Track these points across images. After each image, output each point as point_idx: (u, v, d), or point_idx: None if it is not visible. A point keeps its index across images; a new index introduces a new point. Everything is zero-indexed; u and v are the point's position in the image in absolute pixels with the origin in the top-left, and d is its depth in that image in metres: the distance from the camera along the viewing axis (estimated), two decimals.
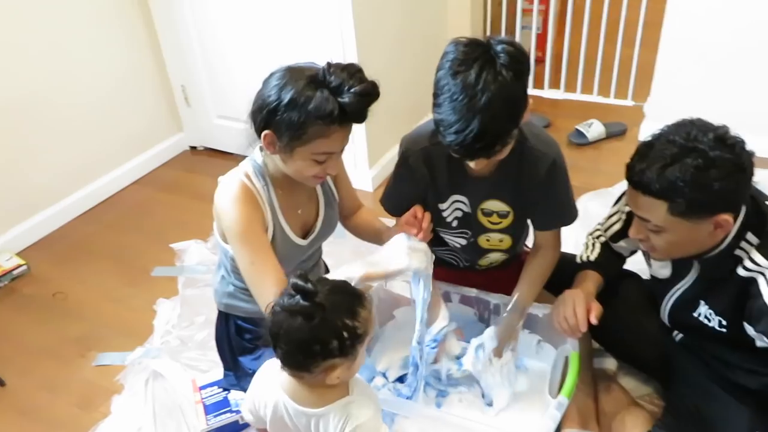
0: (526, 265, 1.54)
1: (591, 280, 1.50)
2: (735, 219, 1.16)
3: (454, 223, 1.53)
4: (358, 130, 1.26)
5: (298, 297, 1.03)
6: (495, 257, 1.63)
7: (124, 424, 1.71)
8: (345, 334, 1.04)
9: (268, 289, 1.31)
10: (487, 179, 1.41)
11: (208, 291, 2.16)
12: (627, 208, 1.44)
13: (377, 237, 1.53)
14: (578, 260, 1.59)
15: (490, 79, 1.09)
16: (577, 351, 1.41)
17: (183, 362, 1.89)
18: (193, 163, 3.15)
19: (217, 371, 1.71)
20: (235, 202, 1.31)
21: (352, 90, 1.18)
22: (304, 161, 1.28)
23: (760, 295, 1.13)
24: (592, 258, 1.56)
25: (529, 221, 1.56)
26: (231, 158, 3.07)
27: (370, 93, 1.21)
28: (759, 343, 1.20)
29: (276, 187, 1.39)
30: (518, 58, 1.13)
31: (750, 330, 1.19)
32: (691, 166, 1.07)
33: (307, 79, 1.21)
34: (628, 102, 3.20)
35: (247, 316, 1.56)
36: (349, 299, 1.07)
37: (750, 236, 1.17)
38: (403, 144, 1.47)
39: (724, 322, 1.25)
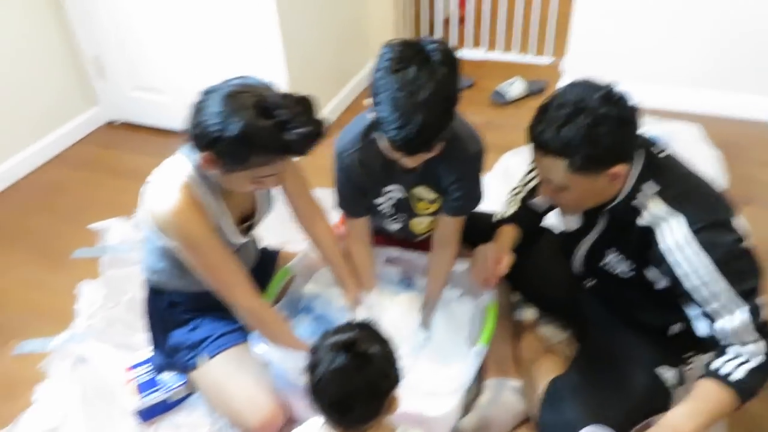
0: (431, 263, 1.61)
1: (506, 234, 1.57)
2: (629, 170, 1.23)
3: (390, 211, 1.60)
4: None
5: (341, 355, 0.98)
6: (429, 235, 1.69)
7: (49, 412, 1.67)
8: (394, 357, 1.03)
9: (238, 291, 1.37)
10: (414, 174, 1.47)
11: (132, 270, 2.12)
12: None
13: (332, 271, 1.61)
14: (497, 217, 1.65)
15: (427, 76, 1.14)
16: (494, 302, 1.47)
17: (111, 343, 1.85)
18: (111, 138, 3.02)
19: (148, 350, 1.69)
20: (182, 213, 1.27)
21: (298, 130, 1.16)
22: (243, 181, 1.27)
23: (657, 242, 1.21)
24: (509, 214, 1.62)
25: None
26: (152, 132, 2.97)
27: (317, 135, 1.19)
28: (661, 284, 1.29)
29: (217, 188, 1.36)
30: (450, 56, 1.19)
31: (652, 272, 1.28)
32: (582, 125, 1.13)
33: (254, 110, 1.15)
34: (548, 59, 3.27)
35: (178, 290, 1.54)
36: (370, 330, 1.05)
37: (647, 185, 1.24)
38: (336, 147, 1.49)
39: (630, 267, 1.33)
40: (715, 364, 1.19)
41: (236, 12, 2.41)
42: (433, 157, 1.38)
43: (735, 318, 1.15)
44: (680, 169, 1.28)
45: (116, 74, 2.91)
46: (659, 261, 1.22)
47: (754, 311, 1.15)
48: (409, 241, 1.74)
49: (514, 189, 1.67)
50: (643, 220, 1.24)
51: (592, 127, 1.12)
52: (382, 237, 1.72)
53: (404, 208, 1.58)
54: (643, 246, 1.25)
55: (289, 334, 1.47)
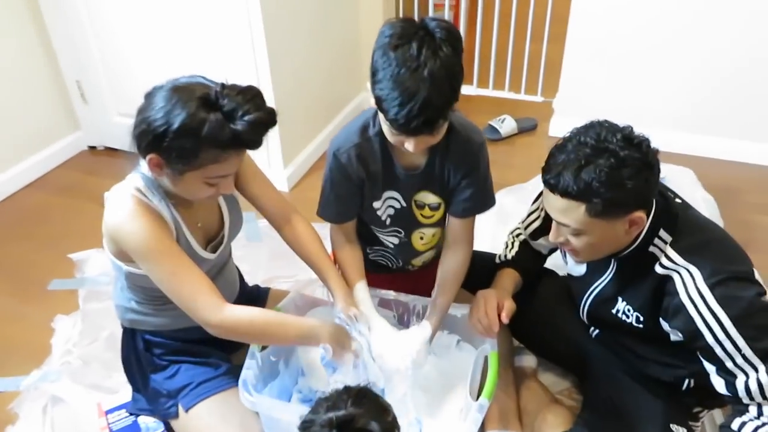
0: (441, 266, 1.51)
1: (508, 278, 1.52)
2: (647, 216, 1.19)
3: (388, 221, 1.51)
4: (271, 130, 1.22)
5: None
6: (428, 256, 1.63)
7: None
8: (395, 429, 0.96)
9: (199, 298, 1.25)
10: (417, 173, 1.41)
11: (111, 305, 2.01)
12: None
13: (315, 271, 1.49)
14: (497, 259, 1.60)
15: (430, 52, 1.10)
16: (496, 351, 1.41)
17: (86, 384, 1.75)
18: (93, 163, 2.94)
19: (126, 392, 1.59)
20: (136, 218, 1.21)
21: (246, 118, 1.11)
22: (195, 184, 1.21)
23: (676, 293, 1.16)
24: (510, 256, 1.57)
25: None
26: (134, 158, 2.88)
27: (265, 122, 1.14)
28: (673, 338, 1.24)
29: (172, 199, 1.29)
30: (454, 34, 1.14)
31: (665, 325, 1.23)
32: (604, 167, 1.09)
33: (198, 101, 1.11)
34: (538, 98, 3.28)
35: (155, 329, 1.46)
36: (368, 401, 0.97)
37: (663, 233, 1.20)
38: (332, 145, 1.42)
39: (641, 318, 1.28)
40: (735, 425, 1.15)
41: (221, 38, 2.37)
42: (438, 153, 1.35)
43: (754, 378, 1.11)
44: (696, 218, 1.25)
45: (99, 99, 2.85)
46: (673, 314, 1.18)
47: None
48: (404, 271, 1.67)
49: (515, 230, 1.63)
50: (660, 269, 1.20)
51: (615, 170, 1.08)
52: (374, 277, 1.65)
53: (404, 218, 1.49)
54: (657, 296, 1.21)
55: (285, 325, 1.33)
